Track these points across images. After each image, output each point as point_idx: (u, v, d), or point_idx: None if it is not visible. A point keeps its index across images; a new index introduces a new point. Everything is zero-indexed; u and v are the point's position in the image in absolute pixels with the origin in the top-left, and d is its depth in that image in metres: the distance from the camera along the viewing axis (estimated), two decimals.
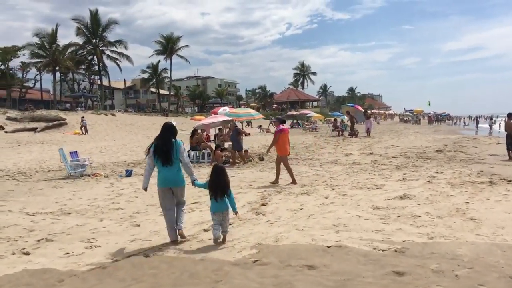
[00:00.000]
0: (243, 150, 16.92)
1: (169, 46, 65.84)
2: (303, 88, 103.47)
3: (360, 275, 4.59)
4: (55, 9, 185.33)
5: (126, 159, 17.89)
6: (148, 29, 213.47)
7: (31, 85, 63.10)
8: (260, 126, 42.69)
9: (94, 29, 57.62)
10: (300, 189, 10.05)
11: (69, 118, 38.49)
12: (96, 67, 61.81)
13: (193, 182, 6.17)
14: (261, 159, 16.29)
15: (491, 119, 48.14)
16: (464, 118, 75.06)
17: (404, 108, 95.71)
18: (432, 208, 7.68)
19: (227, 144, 17.94)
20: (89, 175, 13.12)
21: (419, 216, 7.12)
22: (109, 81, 64.72)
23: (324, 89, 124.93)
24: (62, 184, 11.77)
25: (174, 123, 6.35)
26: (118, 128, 40.42)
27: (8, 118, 34.38)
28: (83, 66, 63.88)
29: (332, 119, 40.09)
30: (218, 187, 5.94)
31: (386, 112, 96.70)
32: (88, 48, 59.74)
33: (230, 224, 6.83)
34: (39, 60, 54.02)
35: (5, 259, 5.50)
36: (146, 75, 71.37)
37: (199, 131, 18.28)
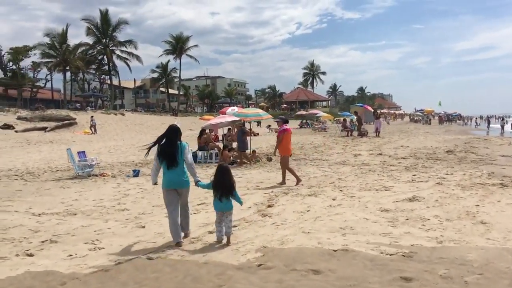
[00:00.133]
0: (251, 151, 16.88)
1: (178, 45, 65.96)
2: (312, 88, 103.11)
3: (366, 281, 4.48)
4: (66, 9, 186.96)
5: (134, 159, 17.90)
6: (158, 29, 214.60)
7: (42, 85, 63.61)
8: (269, 126, 42.50)
9: (104, 29, 57.90)
10: (307, 190, 9.94)
11: (79, 118, 38.71)
12: (106, 67, 62.09)
13: (197, 183, 6.20)
14: (269, 159, 16.18)
15: (503, 119, 47.61)
16: (477, 119, 74.30)
17: (415, 108, 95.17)
18: (442, 211, 7.53)
19: (235, 144, 17.86)
20: (96, 175, 13.13)
21: (428, 219, 6.98)
22: (119, 80, 64.98)
23: (333, 89, 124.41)
24: (70, 184, 11.79)
25: (178, 125, 6.41)
26: (127, 127, 40.57)
27: (19, 118, 34.65)
28: (93, 66, 64.23)
29: (342, 119, 39.84)
30: (223, 187, 5.94)
31: (396, 112, 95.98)
32: (98, 48, 60.01)
33: (235, 226, 6.80)
34: (49, 60, 54.37)
35: (8, 261, 5.48)
36: (155, 75, 71.63)
37: (207, 131, 18.22)
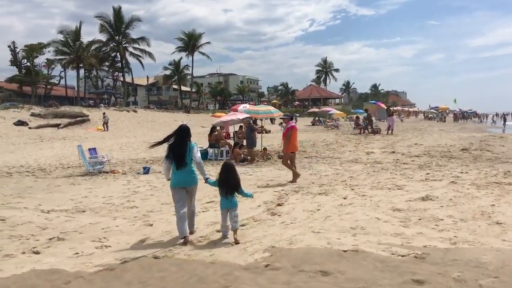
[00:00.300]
0: (262, 148, 16.78)
1: (191, 43, 66.02)
2: (325, 85, 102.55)
3: (376, 283, 4.34)
4: (80, 6, 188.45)
5: (145, 156, 17.90)
6: (171, 26, 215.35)
7: (56, 82, 64.24)
8: (281, 123, 42.30)
9: (117, 26, 58.13)
10: (318, 188, 9.80)
11: (92, 115, 38.95)
12: (119, 64, 62.43)
13: (206, 180, 6.27)
14: (280, 157, 16.02)
15: None
16: (493, 116, 73.10)
17: (429, 105, 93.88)
18: (456, 211, 7.33)
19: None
20: (107, 172, 13.13)
21: (442, 219, 6.79)
22: (132, 78, 65.30)
23: (347, 86, 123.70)
24: (80, 181, 11.80)
25: (184, 123, 6.50)
26: (139, 124, 40.74)
27: (33, 114, 34.99)
28: (106, 63, 64.56)
29: (354, 116, 39.52)
30: (228, 185, 5.99)
31: (410, 109, 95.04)
32: (111, 45, 60.28)
33: (244, 225, 6.71)
34: (63, 57, 54.83)
35: (15, 258, 5.44)
36: (168, 72, 71.79)
37: (218, 128, 18.15)
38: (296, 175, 10.86)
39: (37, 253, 5.66)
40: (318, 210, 7.68)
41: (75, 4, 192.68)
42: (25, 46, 56.78)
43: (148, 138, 28.18)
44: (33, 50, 54.75)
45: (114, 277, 4.75)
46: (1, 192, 10.14)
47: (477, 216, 6.98)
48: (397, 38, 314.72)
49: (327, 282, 4.40)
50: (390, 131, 29.92)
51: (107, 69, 67.83)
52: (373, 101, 52.82)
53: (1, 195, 9.74)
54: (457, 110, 71.44)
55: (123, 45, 59.81)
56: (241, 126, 20.76)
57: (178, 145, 6.16)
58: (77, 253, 5.60)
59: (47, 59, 58.61)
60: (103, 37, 59.20)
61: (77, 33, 54.20)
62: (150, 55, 61.54)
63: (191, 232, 6.34)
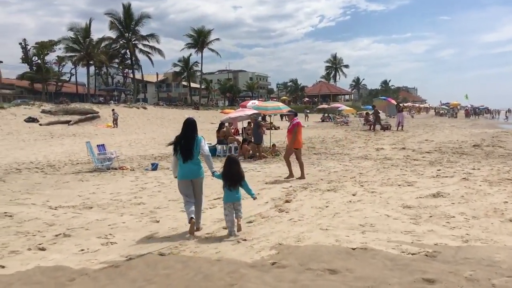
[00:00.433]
0: (271, 145, 16.69)
1: (200, 39, 66.05)
2: (335, 81, 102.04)
3: (385, 282, 4.23)
4: (91, 4, 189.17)
5: (154, 152, 17.90)
6: (181, 23, 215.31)
7: (67, 79, 64.68)
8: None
9: (127, 23, 58.33)
10: (327, 185, 9.68)
11: (102, 111, 39.10)
12: (129, 61, 62.66)
13: (213, 174, 6.32)
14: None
15: None
16: (506, 112, 72.13)
17: (440, 101, 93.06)
18: (468, 208, 7.17)
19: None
20: (115, 168, 13.13)
21: (453, 217, 6.65)
22: (142, 74, 65.55)
23: (356, 82, 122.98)
24: (88, 177, 11.80)
25: (191, 116, 6.57)
26: (149, 121, 40.84)
27: (43, 111, 35.21)
28: (116, 60, 64.89)
29: (364, 112, 39.21)
30: (231, 177, 6.08)
31: (421, 105, 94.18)
32: (121, 42, 60.58)
33: (251, 222, 6.64)
34: (73, 54, 55.20)
35: (20, 255, 5.41)
36: (177, 69, 71.94)
37: (226, 124, 18.08)
38: (291, 175, 10.79)
39: (42, 249, 5.63)
40: (326, 206, 7.57)
41: (85, 2, 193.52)
42: (36, 43, 57.32)
43: (157, 135, 28.27)
44: (44, 47, 55.20)
45: (118, 274, 4.70)
46: (9, 188, 10.17)
47: (489, 213, 6.82)
48: (408, 33, 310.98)
49: (335, 280, 4.30)
50: (400, 127, 29.67)
51: (117, 66, 68.14)
52: (383, 97, 52.32)
53: (10, 191, 9.77)
54: (469, 106, 70.68)
55: (133, 42, 60.05)
56: (249, 123, 20.65)
57: (185, 138, 6.25)
58: (82, 250, 5.56)
59: (57, 56, 59.12)
60: (113, 34, 59.58)
61: (87, 30, 54.55)
62: (159, 51, 61.78)
63: (198, 229, 6.30)
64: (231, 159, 6.40)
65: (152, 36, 61.10)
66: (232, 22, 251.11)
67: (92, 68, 59.14)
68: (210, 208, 7.73)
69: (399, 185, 9.36)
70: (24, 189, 10.04)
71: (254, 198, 6.38)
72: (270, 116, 21.34)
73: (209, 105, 73.11)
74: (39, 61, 56.97)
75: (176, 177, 6.43)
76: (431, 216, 6.70)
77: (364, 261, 4.81)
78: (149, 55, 61.65)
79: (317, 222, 6.54)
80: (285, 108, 17.78)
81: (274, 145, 16.61)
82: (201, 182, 6.42)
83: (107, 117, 37.28)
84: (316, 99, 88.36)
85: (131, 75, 66.10)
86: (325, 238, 5.72)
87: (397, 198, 8.03)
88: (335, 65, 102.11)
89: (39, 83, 57.07)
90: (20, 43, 58.49)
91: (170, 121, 42.06)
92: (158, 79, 77.66)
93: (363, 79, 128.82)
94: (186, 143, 6.22)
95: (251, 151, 15.53)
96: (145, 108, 47.94)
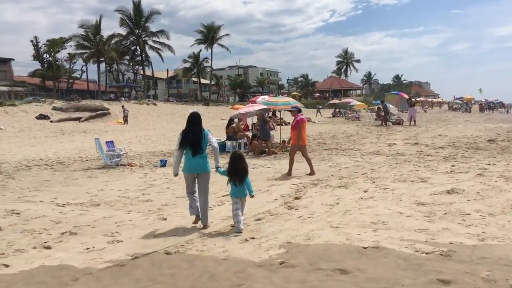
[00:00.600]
0: (281, 141, 16.52)
1: (210, 35, 65.86)
2: (346, 76, 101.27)
3: (399, 283, 4.06)
4: (102, 1, 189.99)
5: (163, 148, 17.81)
6: (191, 20, 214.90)
7: (78, 76, 65.04)
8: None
9: (137, 20, 58.33)
10: (338, 181, 9.49)
11: (112, 108, 39.19)
12: (139, 58, 62.75)
13: (217, 169, 6.36)
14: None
15: None
16: None
17: (454, 96, 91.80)
18: (483, 205, 6.95)
19: None
20: (124, 165, 13.07)
21: (469, 214, 6.43)
22: (152, 71, 65.58)
23: (368, 77, 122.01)
24: (97, 174, 11.75)
25: (195, 111, 6.60)
26: (159, 117, 40.86)
27: (54, 108, 35.38)
28: (127, 57, 64.99)
29: (376, 107, 38.78)
30: (236, 173, 6.09)
31: (434, 100, 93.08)
32: (131, 38, 60.61)
33: (260, 220, 6.51)
34: (84, 51, 55.41)
35: (25, 254, 5.33)
36: (187, 65, 71.83)
37: (236, 120, 17.93)
38: (290, 173, 10.61)
39: (48, 248, 5.54)
40: (337, 203, 7.39)
41: None
42: (47, 41, 57.62)
43: (167, 131, 28.22)
44: (55, 44, 55.49)
45: (123, 273, 4.59)
46: (18, 185, 10.14)
47: (506, 210, 6.60)
48: (420, 27, 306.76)
49: (345, 281, 4.14)
50: (412, 122, 29.31)
51: (127, 63, 68.29)
52: (395, 92, 51.76)
53: (18, 188, 9.74)
54: (483, 100, 69.66)
55: (143, 39, 60.04)
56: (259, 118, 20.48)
57: (192, 132, 6.27)
58: (88, 248, 5.46)
59: (68, 53, 59.42)
60: (123, 31, 59.59)
61: (97, 27, 54.65)
62: (169, 48, 61.67)
63: (205, 226, 6.22)
64: (236, 155, 6.37)
65: (162, 32, 61.05)
66: (242, 17, 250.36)
67: (102, 65, 59.27)
68: (218, 205, 7.61)
69: (412, 181, 9.14)
70: (32, 186, 10.01)
71: (252, 196, 6.26)
72: (280, 111, 21.14)
73: (219, 101, 72.98)
74: (50, 58, 57.33)
75: (175, 175, 6.49)
76: (445, 214, 6.50)
77: (376, 261, 4.64)
78: (159, 51, 61.64)
79: (327, 220, 6.38)
80: (295, 103, 17.57)
81: (284, 141, 16.42)
82: (208, 177, 6.39)
83: (118, 113, 37.34)
84: (327, 94, 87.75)
85: (142, 72, 66.21)
86: (336, 236, 5.56)
87: (410, 195, 7.83)
88: (346, 60, 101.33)
89: (51, 81, 57.45)
90: (32, 41, 58.89)
91: (180, 117, 41.98)
92: (168, 76, 77.63)
93: (375, 74, 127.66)
94: (194, 137, 6.24)
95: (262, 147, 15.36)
96: (155, 104, 47.98)
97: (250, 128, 19.94)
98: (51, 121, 31.23)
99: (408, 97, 37.97)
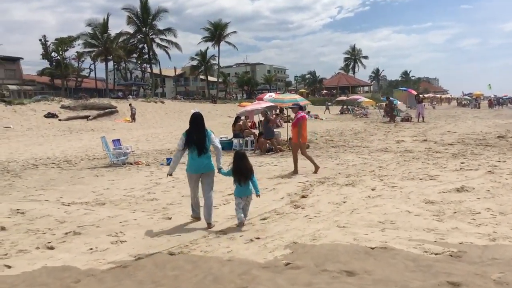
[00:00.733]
0: (288, 138, 16.40)
1: (217, 32, 65.83)
2: (354, 72, 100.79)
3: (407, 285, 3.95)
4: (110, 0, 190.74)
5: (170, 146, 17.77)
6: (198, 17, 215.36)
7: (87, 74, 65.30)
8: (309, 112, 41.68)
9: (144, 18, 58.49)
10: (345, 179, 9.37)
11: (120, 106, 39.30)
12: (147, 56, 62.85)
13: (219, 170, 6.36)
14: (307, 146, 15.59)
15: None
16: None
17: (462, 92, 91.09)
18: (494, 203, 6.80)
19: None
20: (131, 163, 13.03)
21: (479, 213, 6.29)
22: (160, 69, 65.68)
23: (376, 74, 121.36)
24: (104, 172, 11.72)
25: (197, 111, 6.57)
26: (167, 115, 40.91)
27: (62, 107, 35.53)
28: (134, 55, 65.16)
29: (384, 104, 38.49)
30: (241, 172, 6.12)
31: (443, 96, 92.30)
32: (139, 36, 60.78)
33: (265, 219, 6.42)
34: (92, 49, 55.62)
35: (28, 254, 5.28)
36: (195, 63, 71.87)
37: (243, 118, 17.84)
38: (296, 171, 10.52)
39: (51, 248, 5.49)
40: (344, 202, 7.28)
41: None
42: (56, 39, 57.88)
43: (174, 129, 28.19)
44: (63, 43, 55.73)
45: (126, 275, 4.52)
46: (25, 184, 10.14)
47: None
48: (429, 23, 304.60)
49: (352, 283, 4.03)
50: (421, 119, 29.05)
51: (135, 61, 68.46)
52: (404, 88, 51.41)
53: (25, 187, 9.73)
54: (492, 96, 68.96)
55: (150, 37, 60.17)
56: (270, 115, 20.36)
57: (197, 132, 6.29)
58: (91, 249, 5.40)
59: (76, 52, 59.65)
60: (130, 29, 59.78)
61: (104, 26, 54.87)
62: (176, 45, 61.86)
63: (209, 225, 6.18)
64: (239, 154, 6.41)
65: (169, 30, 61.19)
66: (250, 14, 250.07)
67: (110, 64, 59.56)
68: (224, 204, 7.54)
69: (420, 179, 9.00)
70: (39, 185, 10.00)
71: (258, 196, 6.28)
72: (287, 109, 21.01)
73: (227, 98, 72.94)
74: (58, 57, 57.61)
75: (170, 175, 6.60)
76: (455, 212, 6.36)
77: (383, 262, 4.53)
78: (166, 49, 61.83)
79: (334, 219, 6.27)
80: (302, 101, 17.45)
81: (291, 139, 16.29)
82: (212, 175, 6.40)
83: (125, 111, 37.41)
84: (334, 91, 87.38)
85: (149, 70, 66.34)
86: (343, 236, 5.45)
87: (419, 193, 7.69)
88: (354, 57, 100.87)
89: (59, 79, 57.75)
90: (40, 40, 59.08)
91: (188, 115, 41.13)
92: (176, 73, 77.73)
93: (383, 70, 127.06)
94: (198, 137, 6.25)
95: (267, 145, 15.27)
96: (162, 102, 48.07)
97: (257, 125, 19.84)
98: (59, 120, 31.36)
99: (416, 93, 37.65)
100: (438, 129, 22.30)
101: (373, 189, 8.21)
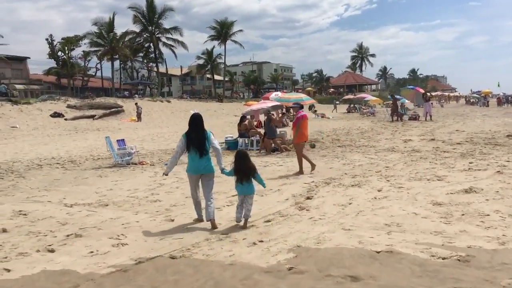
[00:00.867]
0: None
1: (223, 31, 65.72)
2: (361, 71, 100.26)
3: None
4: None
5: (175, 146, 17.73)
6: (205, 16, 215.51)
7: (93, 74, 65.48)
8: (315, 110, 41.51)
9: (150, 17, 58.49)
10: (351, 180, 9.24)
11: (126, 105, 39.31)
12: (153, 55, 62.89)
13: (222, 171, 6.40)
14: (312, 146, 15.49)
15: None
16: None
17: (471, 90, 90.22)
18: (504, 205, 6.64)
19: (278, 131, 17.25)
20: (135, 164, 12.97)
21: (488, 215, 6.14)
22: (166, 68, 65.70)
23: (383, 72, 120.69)
24: (108, 173, 11.66)
25: (196, 112, 6.60)
26: (173, 114, 40.89)
27: (68, 106, 35.58)
28: (140, 54, 65.21)
29: (391, 102, 38.20)
30: (243, 171, 6.15)
31: (451, 94, 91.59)
32: (145, 35, 60.80)
33: (269, 221, 6.31)
34: (98, 48, 55.73)
35: (28, 257, 5.21)
36: (201, 61, 71.82)
37: (248, 117, 17.73)
38: (301, 171, 10.40)
39: (51, 251, 5.41)
40: (350, 204, 7.15)
41: None
42: (62, 39, 58.11)
43: (180, 128, 28.13)
44: (69, 42, 55.92)
45: (126, 280, 4.43)
46: (28, 185, 10.10)
47: None
48: (437, 20, 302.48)
49: None
50: (428, 117, 28.78)
51: (141, 60, 68.54)
52: (411, 86, 51.00)
53: (28, 188, 9.69)
54: (501, 94, 68.22)
55: (156, 36, 60.15)
56: (273, 114, 20.24)
57: (197, 133, 6.32)
58: (92, 252, 5.32)
59: (83, 51, 59.82)
60: (136, 28, 59.80)
61: (110, 25, 54.92)
62: (183, 44, 61.72)
63: (213, 223, 6.17)
64: (241, 153, 6.41)
65: (175, 29, 61.11)
66: (256, 13, 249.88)
67: (117, 63, 59.64)
68: (227, 205, 7.44)
69: (428, 180, 8.84)
70: (42, 185, 9.95)
71: (264, 186, 6.54)
72: (292, 107, 20.88)
73: (233, 97, 72.85)
74: (64, 56, 57.81)
75: (166, 174, 6.74)
76: (463, 215, 6.22)
77: (389, 267, 4.41)
78: (172, 48, 61.78)
79: (339, 221, 6.15)
80: (308, 100, 17.36)
81: None
82: (212, 176, 6.44)
83: (131, 111, 37.43)
84: (341, 90, 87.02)
85: (155, 69, 66.38)
86: (348, 239, 5.33)
87: (426, 194, 7.55)
88: (361, 55, 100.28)
89: (66, 78, 57.95)
90: (47, 39, 59.31)
91: None
92: (182, 72, 77.75)
93: (391, 68, 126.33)
94: (198, 138, 6.30)
95: (273, 144, 15.15)
96: (169, 101, 48.06)
97: (263, 125, 19.71)
98: (65, 119, 31.39)
99: (423, 92, 37.32)
100: (446, 128, 22.06)
101: (379, 190, 8.07)
